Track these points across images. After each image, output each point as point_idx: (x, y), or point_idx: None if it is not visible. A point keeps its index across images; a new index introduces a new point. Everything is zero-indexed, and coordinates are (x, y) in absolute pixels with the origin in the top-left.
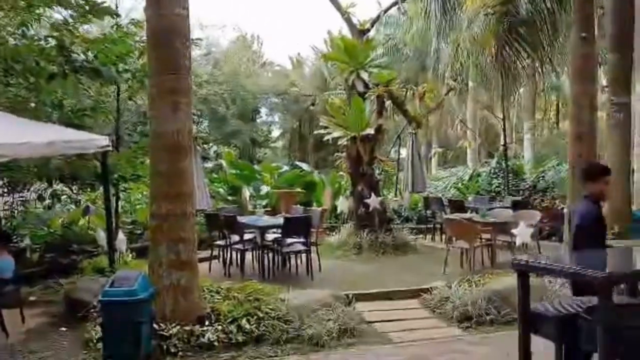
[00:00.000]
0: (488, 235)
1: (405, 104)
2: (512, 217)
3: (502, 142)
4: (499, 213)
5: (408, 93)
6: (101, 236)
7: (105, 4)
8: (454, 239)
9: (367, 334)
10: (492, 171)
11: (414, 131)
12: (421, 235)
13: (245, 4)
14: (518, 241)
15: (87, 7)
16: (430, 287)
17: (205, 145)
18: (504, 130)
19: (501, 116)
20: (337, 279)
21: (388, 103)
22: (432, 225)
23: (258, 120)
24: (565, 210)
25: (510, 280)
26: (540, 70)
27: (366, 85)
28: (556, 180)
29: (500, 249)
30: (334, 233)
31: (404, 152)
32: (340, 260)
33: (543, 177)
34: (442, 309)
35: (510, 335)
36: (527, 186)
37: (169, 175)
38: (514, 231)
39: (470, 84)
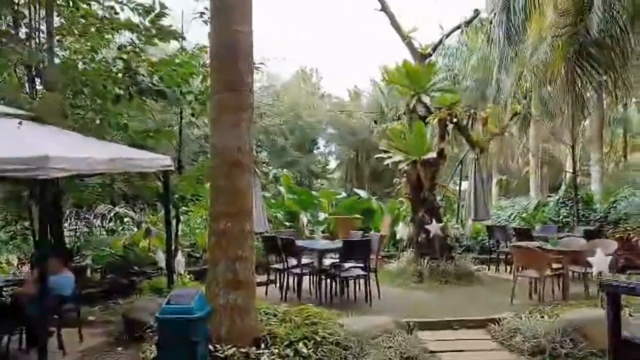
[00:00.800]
0: (559, 265)
1: (468, 129)
2: (585, 246)
3: (571, 170)
4: (570, 242)
5: (471, 119)
6: (160, 257)
7: (172, 27)
8: (521, 267)
9: None
10: (560, 200)
11: (476, 157)
12: (484, 265)
13: (306, 37)
14: (595, 271)
15: (154, 31)
16: (499, 318)
17: (264, 169)
18: (573, 157)
19: (567, 144)
20: (397, 306)
21: (450, 127)
22: (496, 256)
23: (315, 151)
24: None
25: (586, 312)
26: (613, 93)
27: (428, 110)
28: (630, 211)
29: (571, 280)
30: (392, 261)
31: (465, 183)
32: (400, 288)
33: (615, 207)
34: (511, 341)
35: None
36: (598, 217)
37: (228, 192)
38: (590, 259)
39: (534, 111)
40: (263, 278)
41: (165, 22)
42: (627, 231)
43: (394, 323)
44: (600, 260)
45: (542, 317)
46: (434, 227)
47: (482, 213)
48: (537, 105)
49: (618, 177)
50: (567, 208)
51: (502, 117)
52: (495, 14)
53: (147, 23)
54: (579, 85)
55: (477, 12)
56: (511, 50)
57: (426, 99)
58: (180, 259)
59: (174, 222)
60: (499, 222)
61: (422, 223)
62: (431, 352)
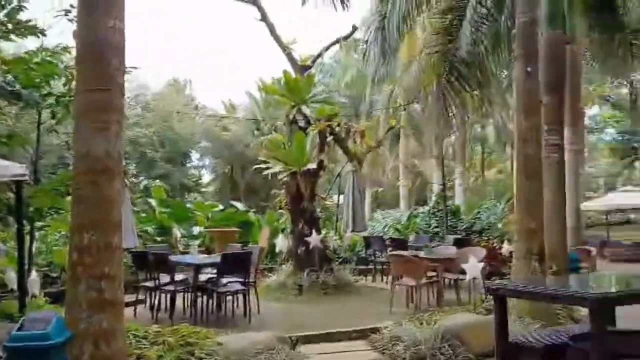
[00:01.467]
0: (433, 273)
1: (346, 141)
2: (457, 253)
3: (439, 183)
4: (443, 250)
5: (348, 132)
6: (11, 277)
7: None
8: (399, 276)
9: None
10: (430, 211)
11: (354, 169)
12: (362, 276)
13: (179, 47)
14: (468, 276)
15: (9, 26)
16: (379, 327)
17: (134, 179)
18: (443, 170)
19: (434, 160)
20: (278, 321)
21: (330, 139)
22: (373, 266)
23: (188, 165)
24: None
25: (462, 317)
26: (480, 111)
27: (308, 121)
28: (492, 221)
29: (444, 287)
30: (272, 274)
31: (342, 196)
32: (280, 302)
33: (479, 217)
34: (393, 350)
35: None
36: (464, 226)
37: (93, 202)
38: (464, 266)
39: (403, 127)
40: (132, 297)
41: (25, 16)
42: (490, 240)
43: (275, 339)
44: (473, 266)
45: (421, 324)
46: (313, 239)
47: (359, 225)
48: (407, 121)
49: (478, 191)
50: (437, 219)
51: (377, 131)
52: (371, 32)
53: (1, 17)
54: (449, 101)
55: (354, 28)
56: (385, 68)
57: (306, 110)
58: (34, 278)
59: (28, 237)
60: (375, 233)
61: (301, 235)
62: None
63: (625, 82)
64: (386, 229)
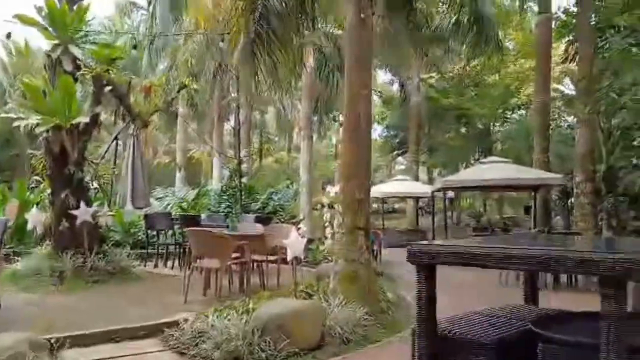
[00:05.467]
0: (237, 254)
1: (129, 97)
2: (266, 231)
3: (236, 158)
4: (248, 227)
5: (130, 86)
6: None
7: None
8: (200, 257)
9: None
10: (223, 189)
11: (136, 133)
12: (142, 261)
13: None
14: (290, 254)
15: None
16: (177, 321)
17: None
18: (239, 144)
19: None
20: (31, 318)
21: (107, 90)
22: (156, 249)
23: None
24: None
25: (281, 304)
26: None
27: (77, 66)
28: (285, 202)
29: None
30: (19, 259)
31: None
32: (34, 292)
33: (272, 198)
34: (197, 349)
35: None
36: (258, 207)
37: None
38: (285, 242)
39: (181, 109)
40: None
41: None
42: (284, 220)
43: (27, 342)
44: (296, 242)
45: (233, 314)
46: (81, 213)
47: (141, 200)
48: (185, 100)
49: (257, 181)
50: (228, 197)
51: (166, 90)
52: None
53: None
54: (259, 63)
55: None
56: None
57: (75, 51)
58: None
59: None
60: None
61: (65, 207)
62: None
63: (396, 79)
64: (169, 208)
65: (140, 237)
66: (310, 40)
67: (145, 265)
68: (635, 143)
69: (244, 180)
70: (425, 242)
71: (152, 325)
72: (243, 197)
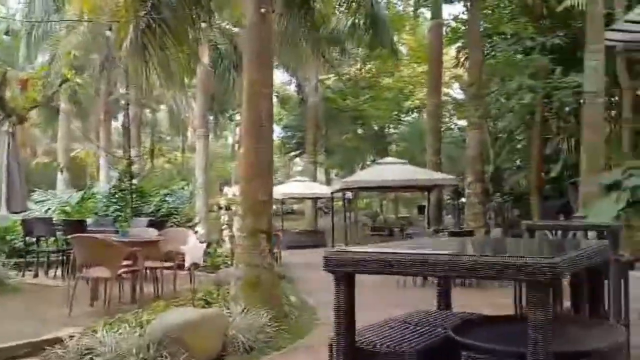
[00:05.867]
0: (129, 261)
1: (3, 90)
2: (160, 236)
3: (125, 158)
4: (141, 233)
5: (4, 79)
6: None
7: None
8: (86, 266)
9: None
10: (111, 191)
11: (12, 130)
12: (19, 272)
13: None
14: (188, 261)
15: None
16: (61, 337)
17: None
18: (129, 143)
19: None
20: None
21: None
22: (35, 258)
23: None
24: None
25: (178, 315)
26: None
27: None
28: (180, 204)
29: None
30: None
31: None
32: None
33: (166, 200)
34: None
35: None
36: (151, 210)
37: None
38: (183, 248)
39: (63, 105)
40: None
41: None
42: (182, 223)
43: None
44: (194, 248)
45: (125, 327)
46: None
47: (17, 204)
48: (66, 97)
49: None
50: (117, 200)
51: (46, 84)
52: None
53: None
54: (149, 56)
55: None
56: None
57: None
58: None
59: None
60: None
61: None
62: None
63: (293, 79)
64: (50, 212)
65: (17, 245)
66: (205, 35)
67: (23, 276)
68: (519, 146)
69: (134, 181)
70: (343, 248)
71: (31, 343)
72: (134, 200)
